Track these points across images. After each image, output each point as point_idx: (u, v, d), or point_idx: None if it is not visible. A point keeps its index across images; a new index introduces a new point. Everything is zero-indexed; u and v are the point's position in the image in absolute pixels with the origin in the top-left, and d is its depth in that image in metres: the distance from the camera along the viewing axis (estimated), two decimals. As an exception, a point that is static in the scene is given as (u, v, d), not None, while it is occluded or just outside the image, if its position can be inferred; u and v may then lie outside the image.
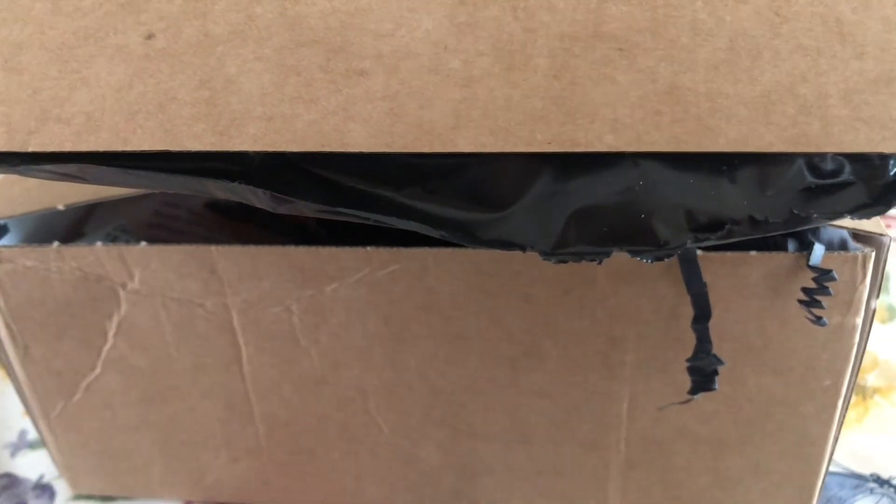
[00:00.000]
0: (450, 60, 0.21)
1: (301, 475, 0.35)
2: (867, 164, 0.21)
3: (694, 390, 0.28)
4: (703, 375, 0.28)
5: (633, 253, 0.22)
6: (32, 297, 0.30)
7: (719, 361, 0.27)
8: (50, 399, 0.34)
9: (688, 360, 0.27)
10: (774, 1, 0.21)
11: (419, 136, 0.21)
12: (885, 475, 0.35)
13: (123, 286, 0.29)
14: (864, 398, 0.40)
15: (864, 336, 0.27)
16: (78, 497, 0.36)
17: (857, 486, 0.35)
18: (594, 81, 0.21)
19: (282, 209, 0.22)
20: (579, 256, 0.22)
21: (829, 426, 0.30)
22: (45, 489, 0.37)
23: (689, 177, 0.22)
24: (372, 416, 0.32)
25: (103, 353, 0.32)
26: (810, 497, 0.32)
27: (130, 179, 0.23)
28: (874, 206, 0.21)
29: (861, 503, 0.34)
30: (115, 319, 0.30)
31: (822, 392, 0.29)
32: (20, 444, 0.39)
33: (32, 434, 0.39)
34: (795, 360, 0.28)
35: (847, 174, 0.21)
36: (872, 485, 0.35)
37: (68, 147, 0.22)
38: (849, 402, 0.29)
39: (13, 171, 0.23)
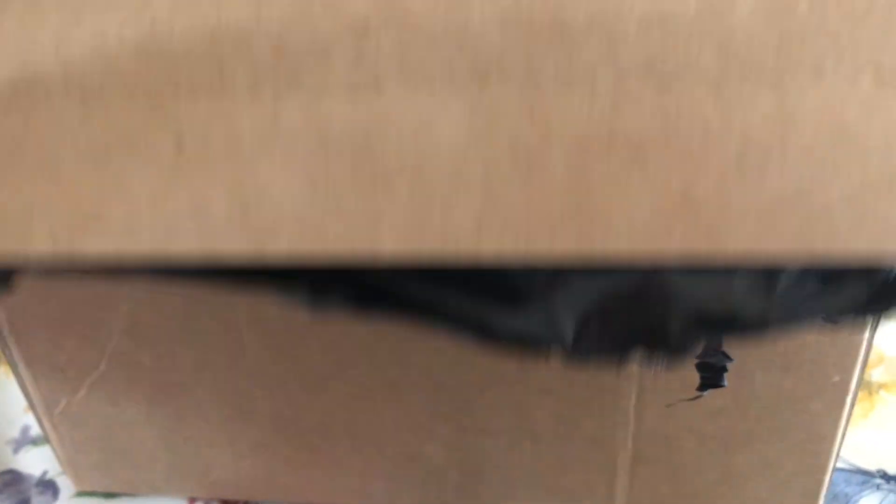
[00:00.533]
0: (470, 168, 0.22)
1: (306, 472, 0.35)
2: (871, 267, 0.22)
3: (702, 387, 0.28)
4: (711, 372, 0.28)
5: (648, 356, 0.24)
6: (36, 294, 0.30)
7: (728, 358, 0.27)
8: (53, 395, 0.34)
9: (696, 357, 0.27)
10: (783, 105, 0.21)
11: (445, 243, 0.22)
12: (891, 471, 0.35)
13: (128, 283, 0.29)
14: (870, 394, 0.40)
15: (872, 332, 0.27)
16: (81, 494, 0.36)
17: (863, 483, 0.35)
18: (609, 189, 0.21)
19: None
20: (598, 358, 0.24)
21: (837, 422, 0.30)
22: (48, 486, 0.37)
23: (702, 278, 0.23)
24: (378, 413, 0.32)
25: (108, 350, 0.31)
26: (818, 493, 0.32)
27: (171, 286, 0.25)
28: (879, 306, 0.23)
29: (867, 499, 0.34)
30: (120, 316, 0.30)
31: (830, 388, 0.28)
32: (23, 441, 0.39)
33: (35, 430, 0.39)
34: (804, 356, 0.28)
35: (852, 276, 0.23)
36: (879, 481, 0.35)
37: (110, 255, 0.22)
38: (856, 397, 0.29)
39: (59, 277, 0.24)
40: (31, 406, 0.35)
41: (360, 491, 0.35)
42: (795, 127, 0.21)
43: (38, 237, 0.23)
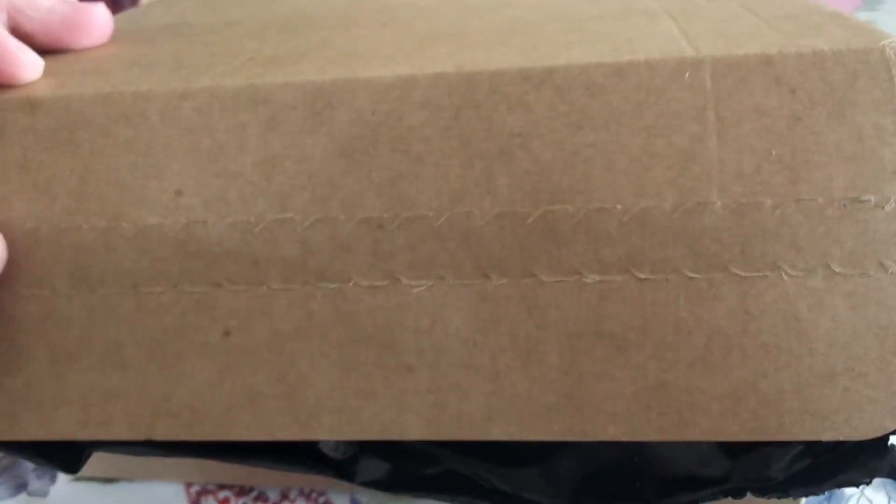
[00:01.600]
0: (478, 356, 0.24)
1: (302, 456, 0.35)
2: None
3: None
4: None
5: None
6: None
7: None
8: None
9: None
10: (745, 299, 0.23)
11: (460, 426, 0.24)
12: None
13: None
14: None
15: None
16: (79, 478, 0.37)
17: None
18: (597, 377, 0.24)
19: None
20: None
21: None
22: (46, 470, 0.37)
23: (684, 448, 0.27)
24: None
25: None
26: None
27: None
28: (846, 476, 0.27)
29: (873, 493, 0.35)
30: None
31: None
32: (20, 427, 0.39)
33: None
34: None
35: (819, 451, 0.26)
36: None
37: (182, 437, 0.25)
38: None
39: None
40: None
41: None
42: (755, 320, 0.23)
43: (118, 426, 0.26)
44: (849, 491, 0.35)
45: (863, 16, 0.85)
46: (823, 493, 0.27)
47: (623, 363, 0.24)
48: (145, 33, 0.34)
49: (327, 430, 0.25)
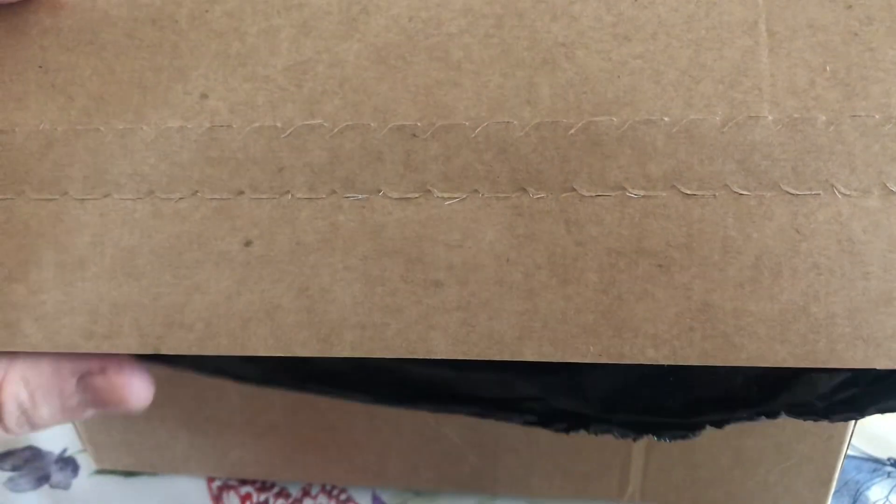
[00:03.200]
0: (512, 273, 0.23)
1: (323, 452, 0.36)
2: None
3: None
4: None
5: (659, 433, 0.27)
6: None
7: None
8: (76, 374, 0.34)
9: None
10: (796, 218, 0.23)
11: (490, 345, 0.23)
12: (902, 459, 0.36)
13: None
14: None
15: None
16: (101, 471, 0.37)
17: (874, 470, 0.36)
18: (637, 297, 0.23)
19: None
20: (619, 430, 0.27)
21: None
22: (67, 462, 0.38)
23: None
24: (396, 393, 0.33)
25: None
26: (830, 478, 0.33)
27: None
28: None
29: (878, 486, 0.35)
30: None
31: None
32: (44, 418, 0.39)
33: (55, 409, 0.39)
34: None
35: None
36: (890, 469, 0.36)
37: (194, 351, 0.24)
38: (871, 383, 0.30)
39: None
40: (53, 384, 0.35)
41: (377, 471, 0.36)
42: (806, 240, 0.23)
43: (127, 336, 0.25)
44: (873, 496, 0.35)
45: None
46: (864, 416, 0.26)
47: (666, 282, 0.23)
48: None
49: (349, 346, 0.24)
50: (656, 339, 0.23)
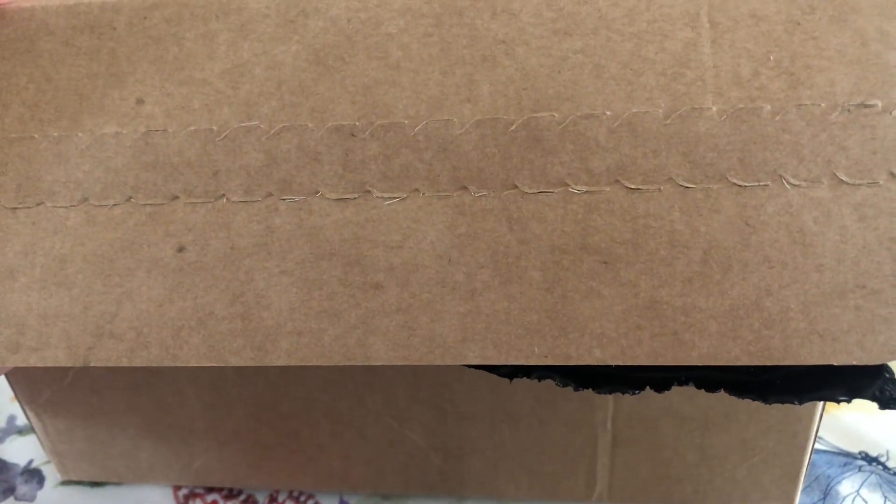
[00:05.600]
0: (454, 273, 0.23)
1: (288, 458, 0.35)
2: None
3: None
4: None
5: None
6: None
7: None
8: (37, 385, 0.34)
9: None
10: (745, 210, 0.22)
11: (432, 348, 0.23)
12: (873, 453, 0.36)
13: None
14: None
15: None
16: (66, 482, 0.36)
17: (845, 464, 0.35)
18: (582, 295, 0.22)
19: None
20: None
21: (815, 402, 0.30)
22: (33, 474, 0.37)
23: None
24: (358, 397, 0.32)
25: None
26: (797, 473, 0.32)
27: None
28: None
29: (849, 481, 0.34)
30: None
31: None
32: (9, 430, 0.39)
33: (21, 420, 0.39)
34: None
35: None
36: (861, 462, 0.36)
37: (124, 363, 0.23)
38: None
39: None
40: (17, 396, 0.35)
41: (343, 476, 0.35)
42: (756, 233, 0.22)
43: (55, 349, 0.24)
44: (844, 491, 0.34)
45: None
46: (800, 403, 0.25)
47: (611, 280, 0.22)
48: None
49: (284, 354, 0.23)
50: (603, 339, 0.22)
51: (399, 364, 0.23)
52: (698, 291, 0.22)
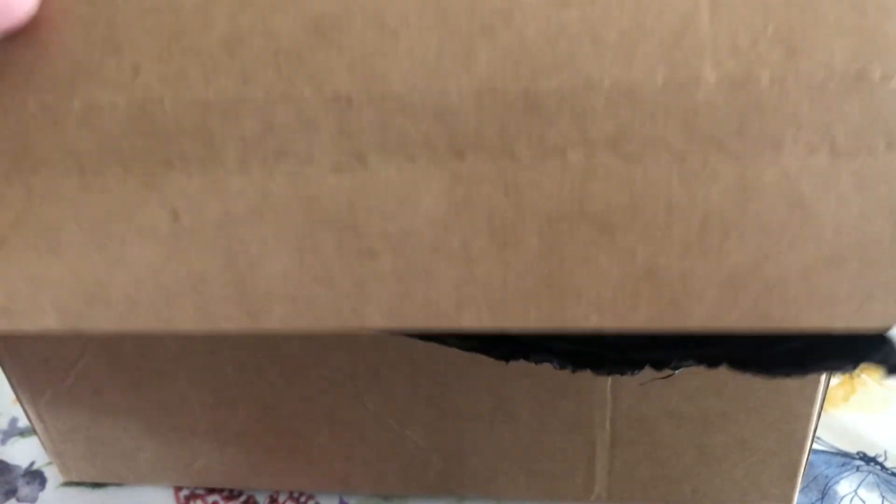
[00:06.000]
0: (449, 240, 0.22)
1: (289, 459, 0.35)
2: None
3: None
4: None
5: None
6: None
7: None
8: (39, 386, 0.34)
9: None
10: (743, 177, 0.22)
11: (426, 314, 0.23)
12: (871, 453, 0.36)
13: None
14: (851, 377, 0.40)
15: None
16: (68, 483, 0.37)
17: (843, 464, 0.36)
18: (579, 261, 0.22)
19: None
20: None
21: (812, 401, 0.30)
22: (35, 475, 0.37)
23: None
24: (359, 398, 0.33)
25: (90, 340, 0.32)
26: (795, 473, 0.32)
27: None
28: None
29: (847, 481, 0.35)
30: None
31: None
32: (11, 432, 0.39)
33: (23, 422, 0.39)
34: None
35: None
36: (859, 462, 0.36)
37: (115, 328, 0.23)
38: (831, 377, 0.30)
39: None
40: (18, 397, 0.35)
41: (343, 477, 0.35)
42: (754, 200, 0.22)
43: (46, 314, 0.24)
44: (842, 491, 0.34)
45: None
46: (806, 375, 0.25)
47: (609, 246, 0.22)
48: None
49: (278, 319, 0.23)
50: (600, 305, 0.22)
51: (394, 327, 0.23)
52: (696, 258, 0.22)
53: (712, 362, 0.25)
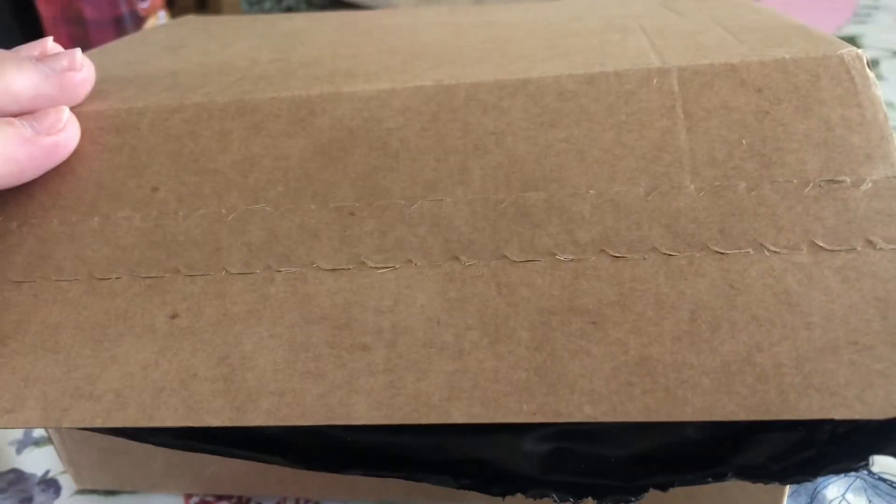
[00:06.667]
0: (442, 334, 0.23)
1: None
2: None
3: None
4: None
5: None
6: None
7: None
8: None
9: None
10: (728, 274, 0.23)
11: (417, 407, 0.23)
12: (858, 458, 0.36)
13: None
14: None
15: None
16: (82, 492, 0.38)
17: (831, 469, 0.36)
18: (571, 353, 0.23)
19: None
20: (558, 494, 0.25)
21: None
22: (50, 484, 0.38)
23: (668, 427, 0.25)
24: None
25: None
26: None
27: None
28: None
29: (835, 486, 0.35)
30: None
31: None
32: (26, 442, 0.40)
33: (38, 432, 0.40)
34: None
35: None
36: (847, 467, 0.36)
37: (98, 424, 0.23)
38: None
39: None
40: (34, 408, 0.36)
41: (348, 486, 0.36)
42: (742, 294, 0.22)
43: (31, 411, 0.24)
44: (830, 495, 0.35)
45: (852, 29, 0.88)
46: (817, 478, 0.24)
47: (600, 339, 0.22)
48: (145, 56, 0.36)
49: (264, 414, 0.23)
50: (593, 395, 0.22)
51: (381, 423, 0.22)
52: (688, 349, 0.22)
53: (719, 477, 0.25)
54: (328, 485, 0.37)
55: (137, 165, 0.26)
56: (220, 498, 0.37)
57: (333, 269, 0.24)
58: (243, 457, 0.27)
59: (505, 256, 0.24)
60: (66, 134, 0.26)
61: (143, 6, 0.71)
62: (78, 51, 0.28)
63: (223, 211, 0.25)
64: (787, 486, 0.32)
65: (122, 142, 0.26)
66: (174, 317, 0.24)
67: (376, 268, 0.24)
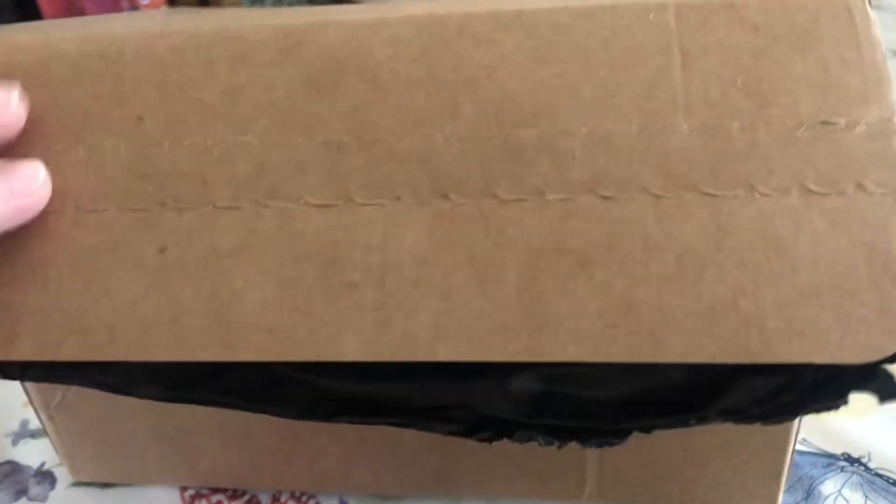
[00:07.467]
0: (430, 273, 0.23)
1: (290, 460, 0.36)
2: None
3: None
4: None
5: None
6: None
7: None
8: (50, 389, 0.35)
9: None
10: (718, 216, 0.23)
11: (404, 345, 0.23)
12: (855, 454, 0.37)
13: None
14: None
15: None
16: (77, 484, 0.38)
17: (828, 465, 0.36)
18: (557, 294, 0.23)
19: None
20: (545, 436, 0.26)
21: None
22: (45, 476, 0.38)
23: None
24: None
25: None
26: (779, 473, 0.33)
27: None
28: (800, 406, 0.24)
29: (832, 481, 0.35)
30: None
31: None
32: (22, 433, 0.40)
33: (34, 424, 0.40)
34: None
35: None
36: (843, 463, 0.36)
37: (91, 357, 0.24)
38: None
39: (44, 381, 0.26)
40: (30, 400, 0.36)
41: (342, 477, 0.36)
42: (729, 237, 0.22)
43: (21, 343, 0.24)
44: (826, 491, 0.35)
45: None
46: (796, 417, 0.25)
47: (586, 280, 0.23)
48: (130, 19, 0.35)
49: (254, 350, 0.23)
50: (578, 336, 0.22)
51: (370, 360, 0.23)
52: (673, 291, 0.22)
53: (702, 420, 0.25)
54: (322, 478, 0.36)
55: (122, 94, 0.25)
56: (215, 491, 0.37)
57: (322, 205, 0.24)
58: (233, 406, 0.27)
59: (494, 195, 0.24)
60: (39, 195, 0.25)
61: (144, 4, 0.71)
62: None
63: (209, 142, 0.25)
64: (783, 482, 0.32)
65: (106, 68, 0.26)
66: (163, 250, 0.24)
67: (364, 204, 0.24)
